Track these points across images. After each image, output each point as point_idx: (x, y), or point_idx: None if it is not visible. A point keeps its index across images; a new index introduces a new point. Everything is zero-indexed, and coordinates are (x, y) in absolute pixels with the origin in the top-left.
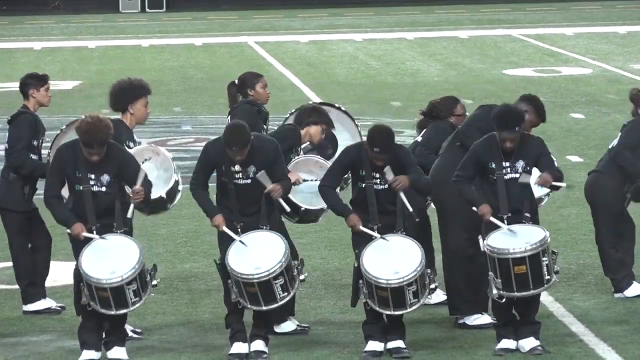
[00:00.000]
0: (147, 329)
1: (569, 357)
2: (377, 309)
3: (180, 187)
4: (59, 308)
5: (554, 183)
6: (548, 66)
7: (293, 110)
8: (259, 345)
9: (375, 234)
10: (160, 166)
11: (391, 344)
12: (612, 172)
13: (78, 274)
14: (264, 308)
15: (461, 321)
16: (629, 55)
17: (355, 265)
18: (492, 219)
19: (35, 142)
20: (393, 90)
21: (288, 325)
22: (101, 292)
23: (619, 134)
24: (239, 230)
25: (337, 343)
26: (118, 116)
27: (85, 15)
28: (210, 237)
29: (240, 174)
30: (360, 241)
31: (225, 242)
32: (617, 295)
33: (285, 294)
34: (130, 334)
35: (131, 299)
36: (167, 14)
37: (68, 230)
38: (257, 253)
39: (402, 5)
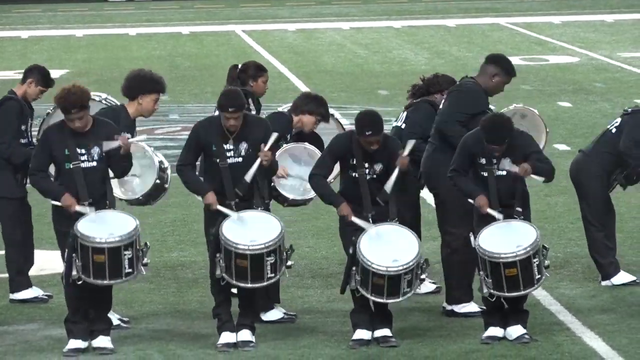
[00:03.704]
0: (134, 318)
1: (556, 345)
2: (370, 296)
3: (165, 164)
4: (46, 297)
5: (534, 176)
6: (535, 54)
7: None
8: (245, 335)
9: (367, 224)
10: (136, 156)
11: (378, 333)
12: (601, 159)
13: (72, 242)
14: (249, 285)
15: (449, 308)
16: (616, 44)
17: (351, 252)
18: (489, 210)
19: (23, 127)
20: (380, 79)
21: (275, 314)
22: (97, 256)
23: (619, 120)
24: (234, 208)
25: (324, 332)
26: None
27: (72, 4)
28: (198, 225)
29: (232, 152)
30: (349, 231)
31: (219, 218)
32: (604, 282)
33: (273, 274)
34: (117, 322)
35: (125, 268)
36: (155, 3)
37: (56, 202)
38: (253, 228)
39: None
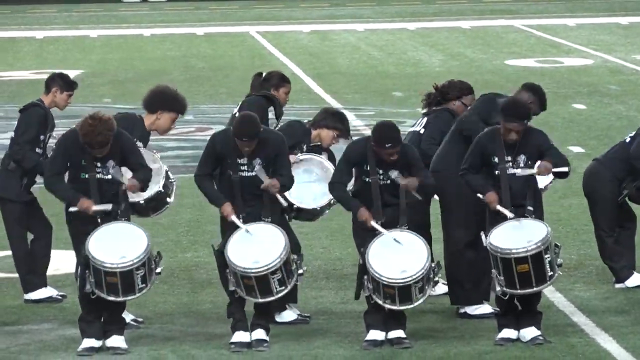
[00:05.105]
0: (147, 318)
1: (570, 347)
2: (383, 304)
3: (172, 177)
4: (60, 297)
5: (555, 169)
6: (550, 57)
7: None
8: (260, 334)
9: (384, 231)
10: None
11: (392, 334)
12: (612, 165)
13: (85, 261)
14: (260, 300)
15: (462, 311)
16: (631, 46)
17: (360, 262)
18: (499, 207)
19: (42, 137)
20: (395, 81)
21: (289, 315)
22: (110, 278)
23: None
24: (241, 220)
25: (338, 332)
26: (140, 112)
27: (87, 5)
28: (212, 226)
29: (246, 166)
30: (363, 236)
31: (228, 232)
32: (617, 285)
33: (282, 287)
34: (130, 322)
35: (138, 285)
36: (169, 4)
37: (73, 208)
38: (257, 245)
39: None
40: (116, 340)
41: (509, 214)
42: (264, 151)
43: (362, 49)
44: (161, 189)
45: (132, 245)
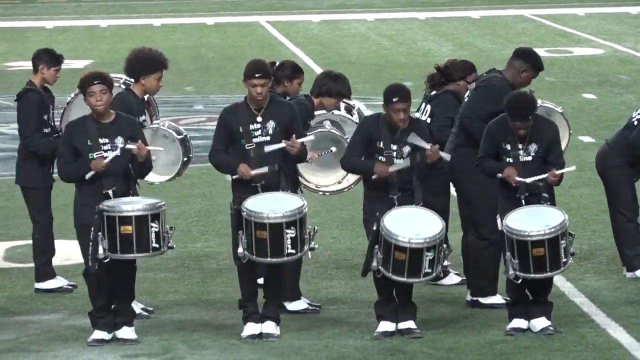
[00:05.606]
0: (158, 308)
1: (580, 337)
2: (390, 275)
3: (183, 132)
4: (71, 287)
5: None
6: (560, 46)
7: None
8: (270, 327)
9: (404, 163)
10: (165, 146)
11: (402, 325)
12: (621, 151)
13: (99, 216)
14: (269, 260)
15: (474, 299)
16: None
17: (374, 228)
18: (519, 178)
19: (46, 116)
20: (405, 70)
21: (300, 304)
22: (124, 227)
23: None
24: (259, 190)
25: (348, 323)
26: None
27: None
28: (222, 216)
29: (260, 130)
30: (372, 220)
31: (244, 193)
32: (628, 274)
33: (294, 251)
34: (140, 312)
35: (152, 242)
36: None
37: (88, 175)
38: (276, 201)
39: None
40: (126, 332)
41: (528, 180)
42: (277, 113)
43: (372, 38)
44: (185, 157)
45: (146, 200)
